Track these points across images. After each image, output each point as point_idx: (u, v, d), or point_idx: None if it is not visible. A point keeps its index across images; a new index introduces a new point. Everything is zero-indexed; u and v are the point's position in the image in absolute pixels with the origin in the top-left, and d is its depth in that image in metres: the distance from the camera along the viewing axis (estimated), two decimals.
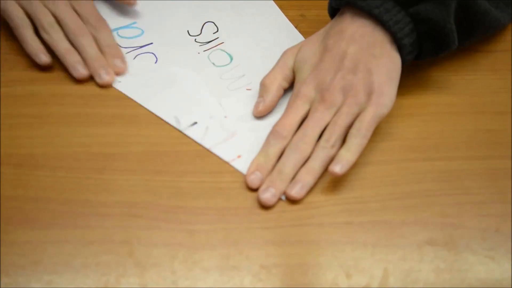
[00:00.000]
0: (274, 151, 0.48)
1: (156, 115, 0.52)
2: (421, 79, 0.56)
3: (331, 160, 0.48)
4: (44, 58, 0.54)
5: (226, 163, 0.49)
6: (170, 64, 0.56)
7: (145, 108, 0.53)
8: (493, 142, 0.52)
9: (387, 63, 0.51)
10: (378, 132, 0.52)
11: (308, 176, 0.47)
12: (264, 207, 0.47)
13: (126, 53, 0.57)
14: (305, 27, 0.60)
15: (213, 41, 0.58)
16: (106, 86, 0.54)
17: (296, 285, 0.43)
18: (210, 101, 0.53)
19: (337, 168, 0.47)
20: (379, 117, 0.49)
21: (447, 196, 0.48)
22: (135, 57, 0.56)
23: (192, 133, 0.51)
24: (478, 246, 0.45)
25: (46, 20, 0.54)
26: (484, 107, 0.54)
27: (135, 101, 0.53)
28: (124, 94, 0.54)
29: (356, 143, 0.48)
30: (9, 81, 0.54)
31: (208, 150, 0.50)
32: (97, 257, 0.44)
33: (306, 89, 0.50)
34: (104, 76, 0.53)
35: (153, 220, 0.46)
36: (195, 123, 0.52)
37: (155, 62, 0.56)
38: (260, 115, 0.52)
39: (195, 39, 0.58)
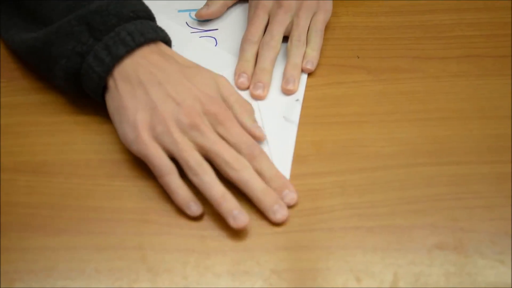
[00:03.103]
0: (251, 54, 0.57)
1: None
2: (429, 85, 0.57)
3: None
4: (195, 208, 0.46)
5: None
6: (226, 50, 0.59)
7: None
8: (502, 147, 0.52)
9: None
10: (386, 137, 0.52)
11: (295, 71, 0.56)
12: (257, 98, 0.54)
13: (191, 32, 0.61)
14: None
15: None
16: (281, 221, 0.47)
17: None
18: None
19: (309, 65, 0.57)
20: (326, 21, 0.60)
21: (456, 200, 0.48)
22: (200, 37, 0.61)
23: None
24: (488, 249, 0.45)
25: (193, 160, 0.47)
26: (492, 112, 0.54)
27: None
28: None
29: (317, 41, 0.58)
30: (22, 89, 0.55)
31: None
32: (110, 262, 0.45)
33: (264, 1, 0.58)
34: (280, 212, 0.46)
35: (165, 225, 0.47)
36: None
37: (215, 45, 0.60)
38: (199, 18, 0.61)
39: None
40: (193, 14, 0.62)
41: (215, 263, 0.45)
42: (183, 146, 0.47)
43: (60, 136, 0.52)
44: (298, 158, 0.51)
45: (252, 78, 0.56)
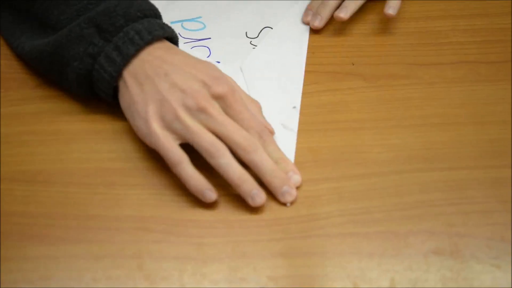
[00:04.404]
0: None
1: None
2: (424, 91, 0.57)
3: None
4: (210, 194, 0.47)
5: None
6: (221, 59, 0.59)
7: None
8: (496, 152, 0.52)
9: None
10: (382, 143, 0.53)
11: (352, 4, 0.61)
12: (315, 31, 0.61)
13: (184, 43, 0.60)
14: None
15: None
16: (290, 202, 0.48)
17: None
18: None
19: (342, 13, 0.60)
20: None
21: (452, 205, 0.49)
22: (192, 47, 0.60)
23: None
24: (484, 255, 0.46)
25: (207, 142, 0.47)
26: (486, 117, 0.55)
27: None
28: None
29: None
30: (19, 99, 0.55)
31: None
32: (107, 271, 0.45)
33: None
34: (289, 193, 0.48)
35: (163, 233, 0.47)
36: None
37: (208, 56, 0.59)
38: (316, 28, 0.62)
39: (251, 41, 0.61)
40: (185, 24, 0.62)
41: (212, 270, 0.45)
42: (194, 129, 0.47)
43: (57, 145, 0.52)
44: (295, 165, 0.51)
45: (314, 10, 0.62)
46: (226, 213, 0.48)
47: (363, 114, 0.55)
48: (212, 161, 0.47)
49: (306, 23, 0.62)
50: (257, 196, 0.47)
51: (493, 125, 0.54)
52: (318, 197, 0.49)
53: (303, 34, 0.62)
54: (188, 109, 0.48)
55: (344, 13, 0.60)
